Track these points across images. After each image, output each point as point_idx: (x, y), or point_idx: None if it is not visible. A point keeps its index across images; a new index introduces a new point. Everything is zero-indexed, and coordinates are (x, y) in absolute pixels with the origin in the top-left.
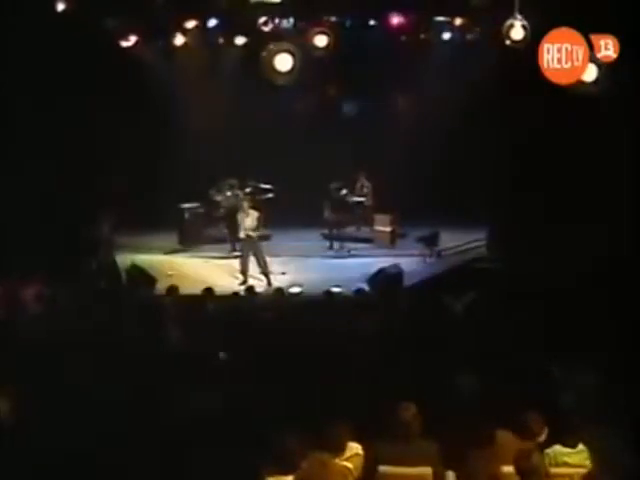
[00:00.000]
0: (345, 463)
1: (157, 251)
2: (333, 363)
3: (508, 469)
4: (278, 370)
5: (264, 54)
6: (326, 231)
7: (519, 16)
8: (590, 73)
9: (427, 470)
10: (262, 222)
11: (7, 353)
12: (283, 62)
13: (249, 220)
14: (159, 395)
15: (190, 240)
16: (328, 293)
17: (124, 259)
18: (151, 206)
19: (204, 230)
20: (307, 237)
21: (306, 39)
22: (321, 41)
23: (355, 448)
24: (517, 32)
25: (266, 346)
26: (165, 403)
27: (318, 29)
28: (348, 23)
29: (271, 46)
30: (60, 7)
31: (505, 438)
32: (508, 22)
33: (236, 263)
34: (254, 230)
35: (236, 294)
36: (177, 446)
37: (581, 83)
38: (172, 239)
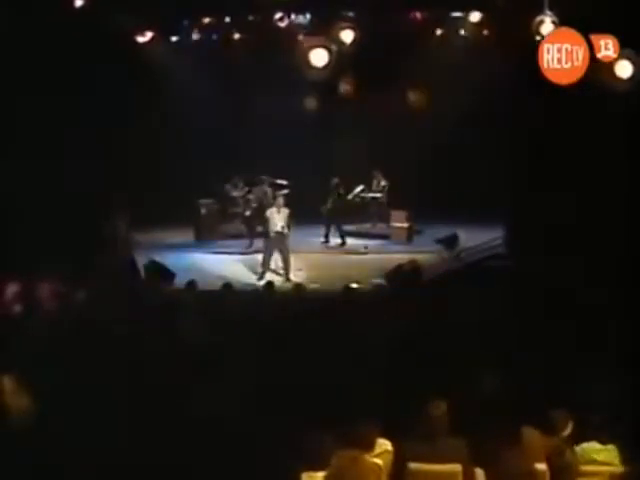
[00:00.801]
0: (375, 460)
1: (173, 247)
2: (359, 359)
3: (540, 466)
4: (304, 367)
5: (299, 49)
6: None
7: (549, 12)
8: (625, 69)
9: (457, 467)
10: (292, 219)
11: (25, 351)
12: (318, 57)
13: (281, 216)
14: (184, 392)
15: (206, 236)
16: (347, 289)
17: (142, 256)
18: (166, 202)
19: (220, 226)
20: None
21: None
22: (347, 36)
23: (385, 445)
24: (547, 28)
25: (291, 343)
26: (191, 400)
27: (344, 24)
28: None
29: (307, 40)
30: (78, 3)
31: (531, 435)
32: (538, 18)
33: (252, 259)
34: (284, 227)
35: (256, 289)
36: (205, 444)
37: (617, 79)
38: (188, 235)
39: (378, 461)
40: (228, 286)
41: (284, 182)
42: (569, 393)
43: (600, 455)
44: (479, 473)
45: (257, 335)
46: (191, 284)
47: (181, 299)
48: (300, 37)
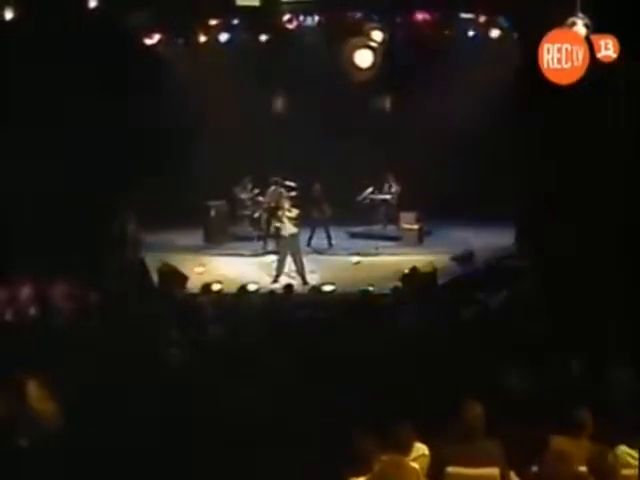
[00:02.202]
0: (412, 464)
1: (183, 249)
2: (389, 363)
3: (580, 471)
4: (336, 371)
5: (344, 49)
6: (352, 229)
7: (581, 15)
8: None
9: (495, 471)
10: (301, 220)
11: (43, 352)
12: (363, 58)
13: (292, 218)
14: (221, 396)
15: (216, 238)
16: (365, 292)
17: (151, 257)
18: (175, 204)
19: (229, 228)
20: (334, 236)
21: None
22: (377, 36)
23: (421, 449)
24: (579, 30)
25: (322, 346)
26: (223, 403)
27: (373, 25)
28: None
29: (352, 41)
30: (92, 4)
31: (559, 440)
32: (570, 20)
33: (263, 261)
34: (295, 228)
35: (272, 292)
36: (243, 448)
37: None
38: (197, 237)
39: (415, 465)
40: (245, 289)
41: (292, 184)
42: (595, 394)
43: (635, 458)
44: (513, 477)
45: (289, 338)
46: (207, 287)
47: (201, 302)
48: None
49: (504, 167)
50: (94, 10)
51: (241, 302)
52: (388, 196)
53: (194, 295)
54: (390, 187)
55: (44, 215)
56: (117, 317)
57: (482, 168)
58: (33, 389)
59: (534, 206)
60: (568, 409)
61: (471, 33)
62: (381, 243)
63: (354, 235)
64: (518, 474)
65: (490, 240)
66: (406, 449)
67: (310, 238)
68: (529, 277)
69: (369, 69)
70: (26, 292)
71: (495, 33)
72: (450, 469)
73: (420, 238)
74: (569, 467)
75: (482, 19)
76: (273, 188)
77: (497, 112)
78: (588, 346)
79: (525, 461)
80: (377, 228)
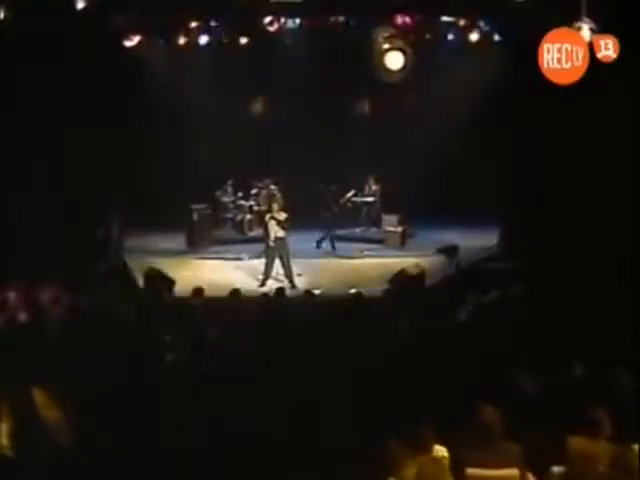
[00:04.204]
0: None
1: (165, 253)
2: (393, 366)
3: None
4: (342, 375)
5: (376, 51)
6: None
7: (586, 19)
8: None
9: (514, 472)
10: (289, 224)
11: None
12: (394, 60)
13: (279, 221)
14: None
15: (199, 242)
16: (358, 294)
17: (133, 261)
18: (158, 207)
19: (212, 231)
20: (315, 239)
21: None
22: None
23: (441, 451)
24: (584, 35)
25: (325, 350)
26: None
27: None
28: (352, 23)
29: (384, 44)
30: (80, 5)
31: (579, 441)
32: (576, 25)
33: (249, 264)
34: (283, 231)
35: (266, 295)
36: (251, 455)
37: None
38: (180, 241)
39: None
40: (236, 293)
41: (274, 187)
42: (609, 393)
43: None
44: (531, 478)
45: (290, 341)
46: (198, 291)
47: (194, 307)
48: None
49: (488, 168)
50: (77, 11)
51: (237, 306)
52: (370, 198)
53: (185, 299)
54: (370, 188)
55: (28, 219)
56: (107, 321)
57: (466, 170)
58: (40, 397)
59: (519, 207)
60: (584, 409)
61: (451, 36)
62: (364, 246)
63: (336, 238)
64: (535, 475)
65: (474, 242)
66: (425, 451)
67: (321, 240)
68: (515, 279)
69: (400, 71)
70: (13, 297)
71: (475, 36)
72: (470, 471)
73: (403, 240)
74: (595, 467)
75: (462, 22)
76: (267, 190)
77: (481, 113)
78: (593, 346)
79: (542, 462)
80: (359, 231)
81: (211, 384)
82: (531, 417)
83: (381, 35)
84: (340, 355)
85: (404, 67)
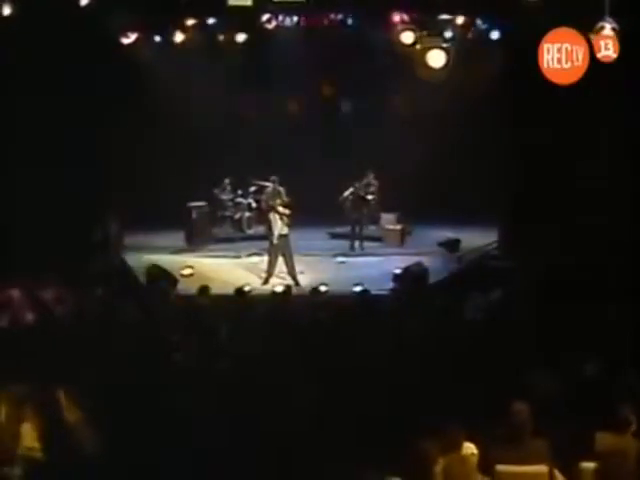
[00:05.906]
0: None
1: (165, 250)
2: (420, 362)
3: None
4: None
5: (417, 49)
6: (333, 230)
7: (609, 18)
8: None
9: (544, 469)
10: (292, 221)
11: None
12: (436, 58)
13: (282, 219)
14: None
15: (198, 239)
16: (364, 292)
17: (132, 259)
18: (157, 205)
19: (211, 229)
20: (315, 237)
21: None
22: (408, 38)
23: (470, 448)
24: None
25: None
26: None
27: (404, 26)
28: (350, 21)
29: (424, 42)
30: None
31: (607, 437)
32: (599, 24)
33: (249, 262)
34: (286, 228)
35: (274, 293)
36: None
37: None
38: (179, 238)
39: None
40: (242, 291)
41: (269, 185)
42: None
43: None
44: (558, 474)
45: (301, 340)
46: (204, 290)
47: (201, 305)
48: None
49: (486, 167)
50: (75, 9)
51: (245, 304)
52: (370, 196)
53: (192, 297)
54: (369, 185)
55: (27, 218)
56: (112, 320)
57: (464, 168)
58: (64, 399)
59: (516, 206)
60: (612, 406)
61: (449, 34)
62: (364, 244)
63: (335, 236)
64: (564, 472)
65: (472, 240)
66: (455, 448)
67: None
68: (514, 277)
69: (442, 69)
70: (15, 295)
71: (473, 35)
72: (500, 467)
73: (402, 239)
74: (624, 462)
75: (460, 21)
76: (271, 187)
77: (479, 112)
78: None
79: (571, 459)
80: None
81: (221, 383)
82: (559, 414)
83: (421, 34)
84: (365, 355)
85: (446, 65)
